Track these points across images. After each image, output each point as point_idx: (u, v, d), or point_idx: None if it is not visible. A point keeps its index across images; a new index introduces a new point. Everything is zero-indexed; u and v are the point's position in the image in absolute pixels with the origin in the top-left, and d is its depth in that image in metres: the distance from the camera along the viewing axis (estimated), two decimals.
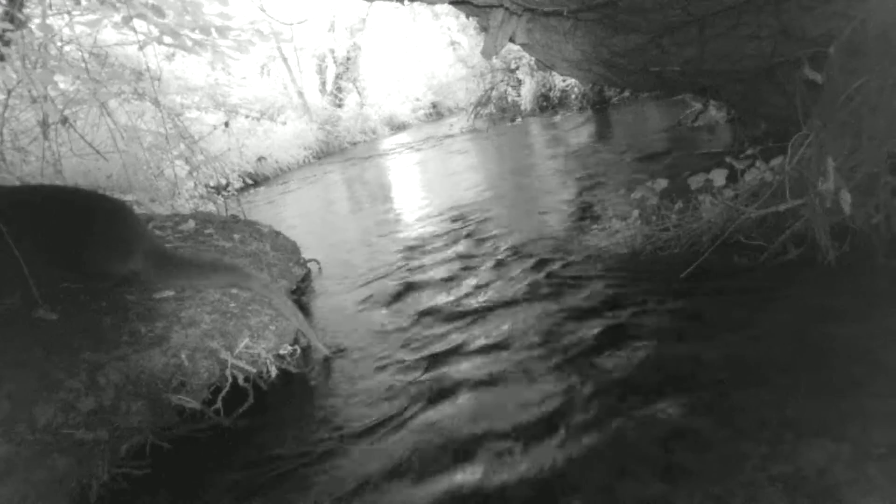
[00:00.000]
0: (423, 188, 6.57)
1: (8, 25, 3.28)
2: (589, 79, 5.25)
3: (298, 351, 2.48)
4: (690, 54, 3.50)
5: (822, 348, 1.77)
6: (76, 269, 2.24)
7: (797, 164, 2.33)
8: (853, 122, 2.22)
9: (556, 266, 2.96)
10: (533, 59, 6.05)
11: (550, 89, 11.36)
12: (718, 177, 2.67)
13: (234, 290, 2.59)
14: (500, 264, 3.20)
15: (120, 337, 2.06)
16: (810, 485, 1.31)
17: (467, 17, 4.83)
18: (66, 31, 3.76)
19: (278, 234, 3.86)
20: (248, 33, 3.44)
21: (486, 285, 2.95)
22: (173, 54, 9.01)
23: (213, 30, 3.27)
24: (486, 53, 4.21)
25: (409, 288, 3.19)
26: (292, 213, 6.82)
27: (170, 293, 2.39)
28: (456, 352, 2.33)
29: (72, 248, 2.18)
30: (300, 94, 14.91)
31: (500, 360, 2.18)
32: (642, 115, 8.02)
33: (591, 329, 2.25)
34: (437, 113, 18.53)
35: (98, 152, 4.20)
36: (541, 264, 3.03)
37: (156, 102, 4.19)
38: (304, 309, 3.22)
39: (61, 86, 4.10)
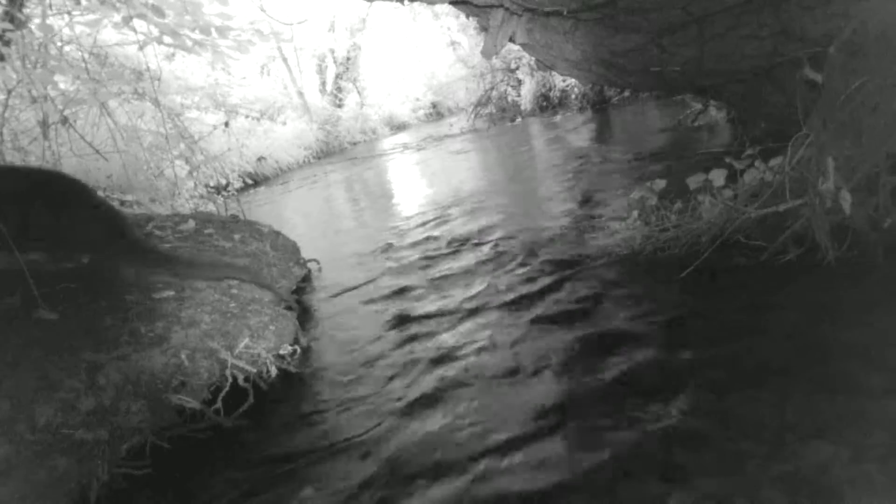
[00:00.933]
0: (423, 188, 6.57)
1: (8, 25, 3.28)
2: (589, 79, 5.26)
3: (298, 351, 2.48)
4: (690, 54, 3.50)
5: (822, 348, 1.77)
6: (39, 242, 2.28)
7: (797, 164, 2.33)
8: (853, 122, 2.22)
9: (555, 266, 2.95)
10: (533, 59, 6.05)
11: (550, 89, 11.36)
12: (718, 177, 2.67)
13: (235, 291, 2.60)
14: (499, 264, 3.20)
15: (120, 337, 2.06)
16: (810, 485, 1.31)
17: (467, 17, 4.83)
18: (66, 31, 3.76)
19: (278, 234, 3.86)
20: (248, 33, 3.44)
21: (485, 285, 2.95)
22: (173, 54, 9.00)
23: (213, 30, 3.27)
24: (486, 53, 4.21)
25: (409, 287, 3.19)
26: (292, 213, 6.82)
27: (170, 293, 2.39)
28: (455, 351, 2.33)
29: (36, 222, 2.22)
30: (300, 94, 14.91)
31: (498, 360, 2.18)
32: (642, 115, 8.02)
33: (591, 329, 2.25)
34: (437, 113, 18.52)
35: (98, 152, 4.20)
36: (541, 264, 3.03)
37: (156, 102, 4.19)
38: (305, 309, 3.23)
39: (61, 86, 4.10)
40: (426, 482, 1.62)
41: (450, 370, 2.20)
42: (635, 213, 3.04)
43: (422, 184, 6.96)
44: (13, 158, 4.07)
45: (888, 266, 2.09)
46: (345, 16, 15.51)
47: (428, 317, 2.74)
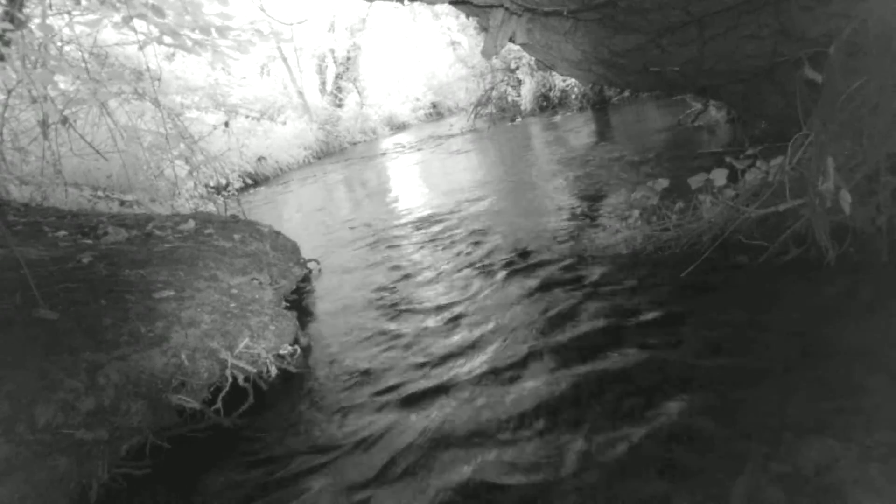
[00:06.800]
0: (423, 188, 6.57)
1: (8, 25, 3.28)
2: (589, 79, 5.25)
3: (298, 351, 2.48)
4: (690, 54, 3.50)
5: (822, 348, 1.77)
6: None
7: (797, 164, 2.33)
8: (853, 122, 2.22)
9: (556, 266, 2.95)
10: (533, 59, 6.05)
11: (550, 89, 11.36)
12: (719, 177, 2.67)
13: (235, 291, 2.60)
14: (499, 264, 3.20)
15: (120, 337, 2.05)
16: (810, 484, 1.31)
17: (467, 17, 4.83)
18: (66, 31, 3.76)
19: (278, 234, 3.87)
20: (248, 33, 3.44)
21: (486, 285, 2.95)
22: (173, 54, 9.03)
23: (213, 30, 3.27)
24: (486, 53, 4.21)
25: (409, 288, 3.19)
26: (292, 213, 6.82)
27: (170, 293, 2.39)
28: (455, 351, 2.33)
29: None
30: (300, 94, 14.93)
31: (498, 360, 2.18)
32: (642, 115, 8.02)
33: (591, 329, 2.24)
34: (437, 113, 18.54)
35: (98, 152, 4.20)
36: (541, 264, 3.03)
37: (156, 102, 4.19)
38: (305, 309, 3.23)
39: (61, 86, 4.10)
40: (425, 480, 1.62)
41: (449, 369, 2.20)
42: (636, 213, 3.04)
43: (422, 184, 6.96)
44: (13, 158, 4.08)
45: (888, 266, 2.09)
46: (345, 16, 15.53)
47: (427, 316, 2.73)
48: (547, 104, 11.46)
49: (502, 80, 11.91)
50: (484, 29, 4.54)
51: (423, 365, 2.29)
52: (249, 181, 8.52)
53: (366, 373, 2.33)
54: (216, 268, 2.81)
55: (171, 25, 3.14)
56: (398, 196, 6.39)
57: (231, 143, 8.62)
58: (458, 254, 3.58)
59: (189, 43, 3.26)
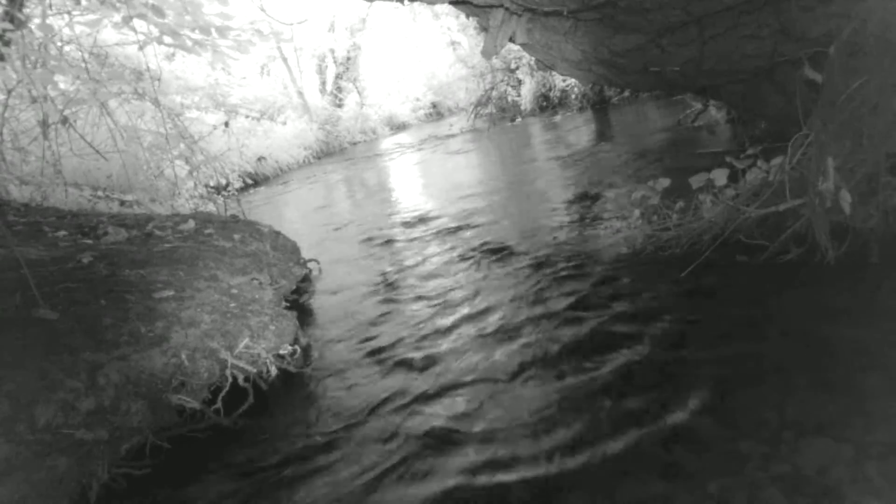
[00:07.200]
0: (423, 188, 6.57)
1: (8, 25, 3.28)
2: (589, 79, 5.25)
3: (298, 351, 2.48)
4: (690, 54, 3.50)
5: (822, 348, 1.77)
6: None
7: (797, 164, 2.33)
8: (853, 122, 2.22)
9: (556, 266, 2.95)
10: (533, 59, 6.05)
11: (550, 89, 11.35)
12: (720, 176, 2.67)
13: (235, 291, 2.59)
14: (500, 264, 3.20)
15: (120, 337, 2.05)
16: (810, 484, 1.31)
17: (467, 17, 4.83)
18: (66, 31, 3.77)
19: (278, 234, 3.86)
20: (248, 33, 3.44)
21: (486, 285, 2.95)
22: (173, 54, 9.03)
23: (213, 30, 3.27)
24: (486, 53, 4.21)
25: (409, 288, 3.19)
26: (292, 213, 6.83)
27: (170, 293, 2.39)
28: (455, 352, 2.33)
29: None
30: (300, 94, 14.92)
31: (498, 360, 2.18)
32: (642, 115, 8.01)
33: (591, 328, 2.24)
34: (437, 113, 18.53)
35: (98, 152, 4.20)
36: (541, 264, 3.03)
37: (156, 102, 4.19)
38: (305, 309, 3.23)
39: (61, 86, 4.10)
40: (425, 481, 1.62)
41: (449, 369, 2.20)
42: (637, 213, 3.04)
43: (422, 184, 6.96)
44: (13, 158, 4.08)
45: (887, 266, 2.09)
46: (345, 16, 15.53)
47: (427, 316, 2.73)
48: (547, 104, 11.46)
49: (502, 80, 11.90)
50: (484, 29, 4.54)
51: (423, 365, 2.29)
52: (249, 181, 8.52)
53: (366, 372, 2.33)
54: (216, 268, 2.81)
55: (171, 25, 3.14)
56: (398, 196, 6.39)
57: (231, 143, 8.61)
58: (458, 254, 3.58)
59: (189, 43, 3.26)
